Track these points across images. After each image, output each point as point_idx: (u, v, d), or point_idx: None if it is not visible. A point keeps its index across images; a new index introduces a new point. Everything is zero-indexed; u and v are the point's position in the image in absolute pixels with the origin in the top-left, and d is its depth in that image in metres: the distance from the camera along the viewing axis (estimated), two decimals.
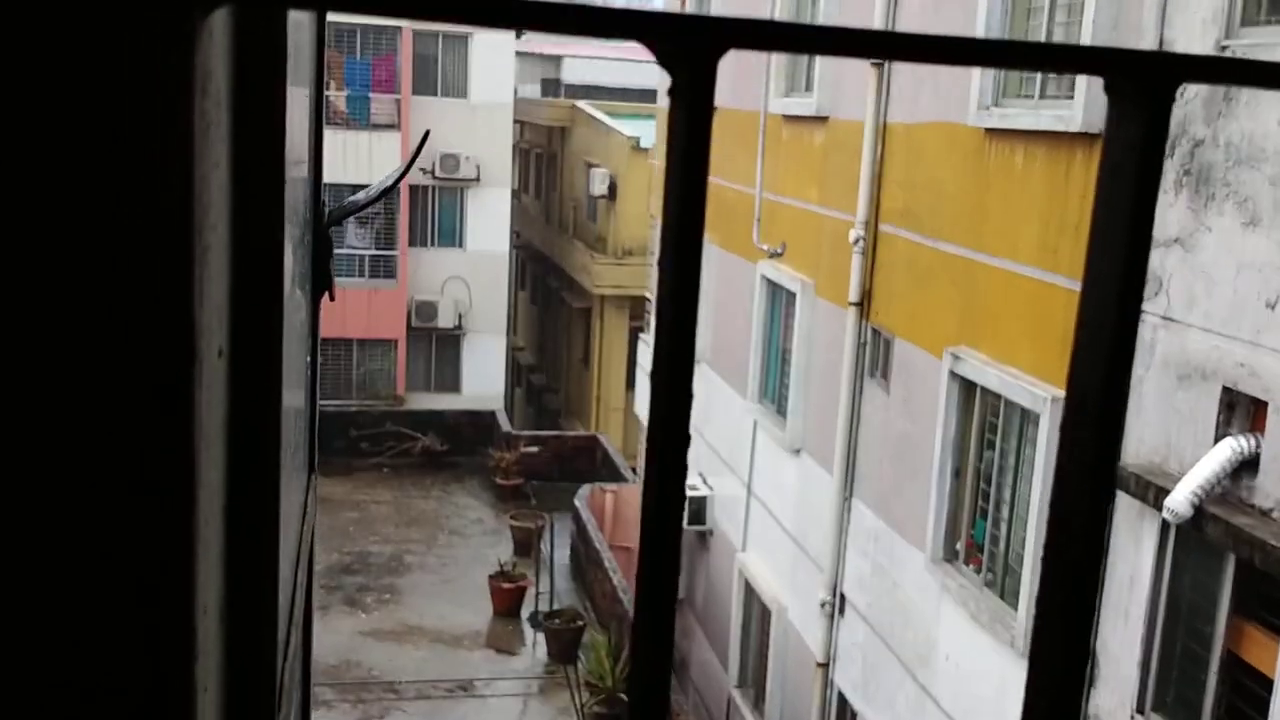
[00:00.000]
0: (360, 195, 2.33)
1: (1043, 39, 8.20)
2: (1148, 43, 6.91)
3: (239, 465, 0.79)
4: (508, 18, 0.53)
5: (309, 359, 1.62)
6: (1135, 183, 0.60)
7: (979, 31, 8.54)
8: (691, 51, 0.54)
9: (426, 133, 3.06)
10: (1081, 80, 7.50)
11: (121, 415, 0.50)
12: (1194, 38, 6.58)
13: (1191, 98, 6.61)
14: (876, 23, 10.28)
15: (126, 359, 0.50)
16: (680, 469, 0.57)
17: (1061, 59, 0.62)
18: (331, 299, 1.69)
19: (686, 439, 0.59)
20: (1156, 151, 0.60)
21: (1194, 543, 6.41)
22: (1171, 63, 0.59)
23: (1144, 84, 0.59)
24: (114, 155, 0.48)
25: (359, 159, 25.12)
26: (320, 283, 1.58)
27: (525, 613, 18.16)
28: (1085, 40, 7.44)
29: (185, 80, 0.49)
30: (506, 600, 18.10)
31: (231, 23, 0.67)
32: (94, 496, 0.51)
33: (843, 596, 11.04)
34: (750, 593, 13.40)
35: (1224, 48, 6.38)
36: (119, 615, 0.54)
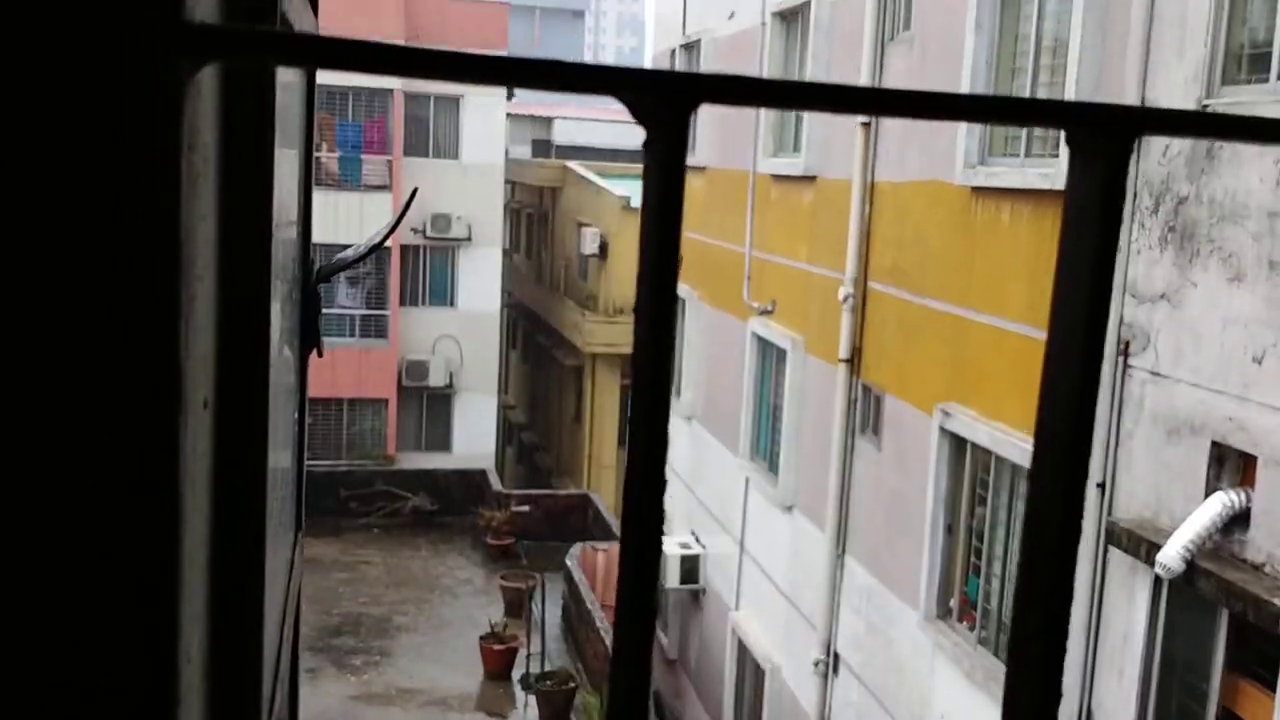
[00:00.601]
0: (349, 252, 2.35)
1: (1031, 33, 8.33)
2: (1130, 102, 7.02)
3: (225, 517, 0.80)
4: (486, 75, 0.55)
5: (296, 416, 1.62)
6: (1097, 233, 0.62)
7: (970, 23, 8.65)
8: (664, 105, 0.56)
9: (414, 190, 3.09)
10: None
11: (106, 461, 0.51)
12: (1175, 97, 6.69)
13: (1175, 155, 6.70)
14: (863, 83, 10.41)
15: (112, 405, 0.51)
16: (658, 509, 0.58)
17: (1023, 112, 0.64)
18: (319, 355, 1.70)
19: (663, 483, 0.60)
20: (1116, 202, 0.61)
21: (1187, 598, 6.39)
22: (1129, 115, 0.61)
23: (1102, 136, 0.61)
24: (102, 205, 0.50)
25: (350, 220, 25.24)
26: (308, 339, 1.60)
27: (516, 674, 17.95)
28: (1075, 38, 7.52)
29: (173, 135, 0.51)
30: (497, 662, 17.91)
31: (220, 79, 0.69)
32: (77, 543, 0.52)
33: (836, 655, 10.96)
34: (743, 651, 13.28)
35: (1205, 106, 6.49)
36: (97, 663, 0.54)
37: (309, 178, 1.77)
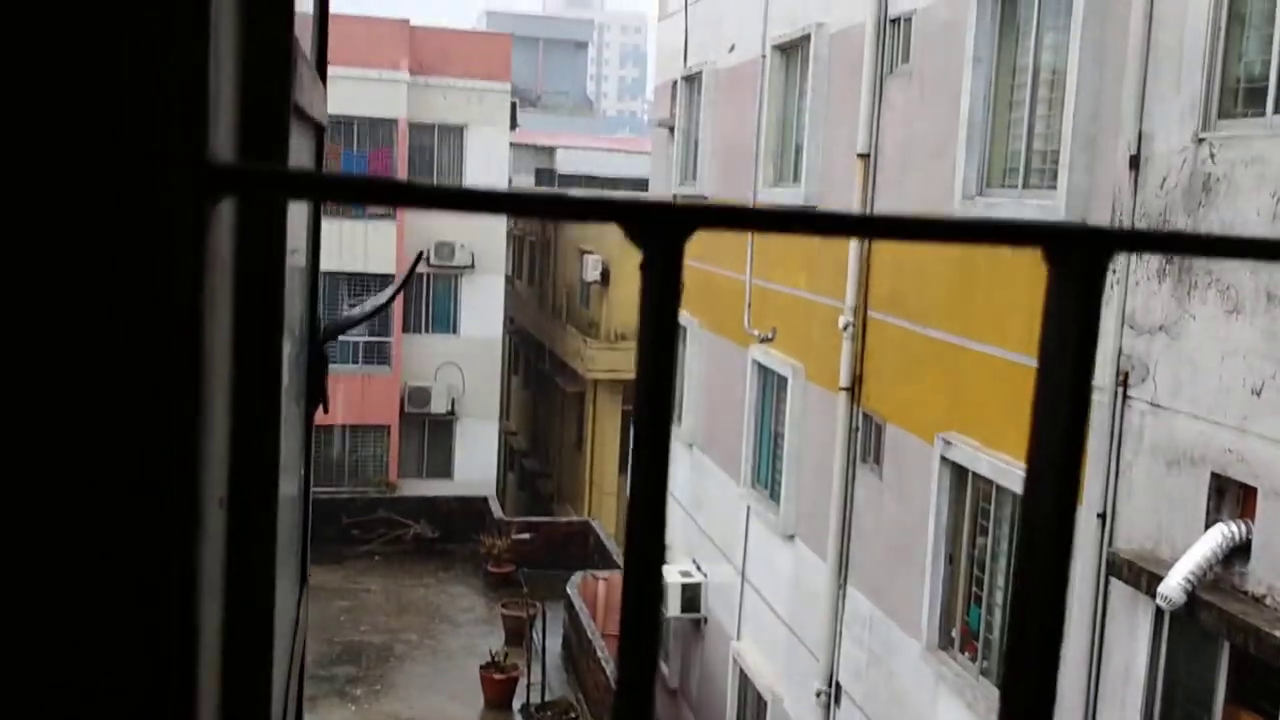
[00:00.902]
0: (355, 311, 2.38)
1: (1024, 131, 8.38)
2: (1127, 134, 7.07)
3: (235, 612, 0.82)
4: (497, 207, 0.58)
5: (302, 472, 1.65)
6: (1075, 345, 0.64)
7: (968, 55, 8.71)
8: (661, 233, 0.59)
9: (420, 254, 3.13)
10: (1064, 170, 7.65)
11: (123, 570, 0.54)
12: (1172, 130, 6.74)
13: (1172, 188, 6.74)
14: (862, 120, 10.49)
15: (132, 510, 0.54)
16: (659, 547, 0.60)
17: (1000, 233, 0.67)
18: (325, 411, 1.73)
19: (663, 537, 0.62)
20: (1093, 316, 0.64)
21: (1188, 630, 6.39)
22: (1105, 236, 0.64)
23: (1079, 254, 0.64)
24: (125, 332, 0.53)
25: (354, 248, 25.34)
26: (314, 397, 1.63)
27: (517, 704, 17.88)
28: (1066, 131, 7.61)
29: (196, 264, 0.54)
30: (498, 691, 17.84)
31: (237, 203, 0.72)
32: (91, 654, 0.54)
33: (838, 685, 10.93)
34: (745, 682, 13.24)
35: (1201, 139, 6.54)
36: None
37: (317, 233, 1.81)
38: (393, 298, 2.56)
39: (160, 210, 0.52)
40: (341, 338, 26.67)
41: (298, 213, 1.55)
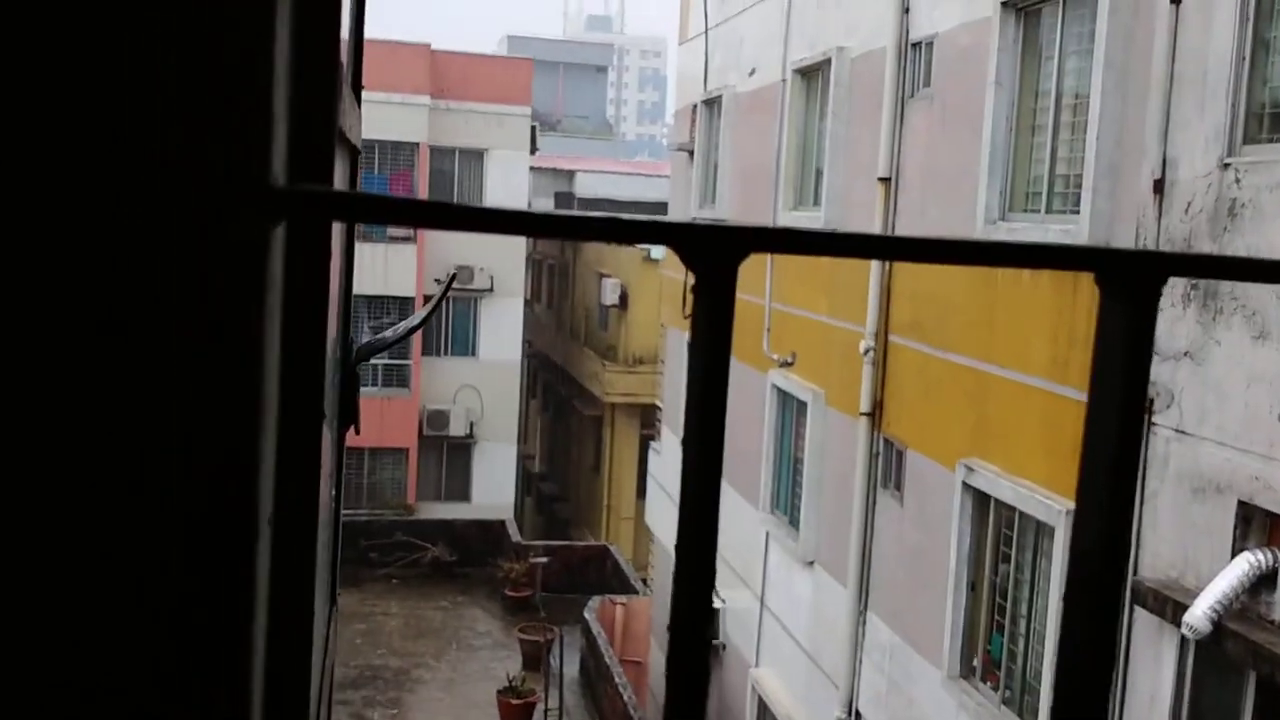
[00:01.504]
0: (389, 333, 2.39)
1: (1047, 156, 8.37)
2: (1151, 160, 7.05)
3: (277, 631, 0.82)
4: (548, 230, 0.58)
5: (334, 492, 1.65)
6: (1124, 368, 0.64)
7: (990, 79, 8.70)
8: (715, 255, 0.59)
9: (453, 274, 3.15)
10: (1087, 194, 7.63)
11: (185, 591, 0.54)
12: (1196, 156, 6.72)
13: (1197, 212, 6.71)
14: (883, 143, 10.50)
15: (195, 538, 0.54)
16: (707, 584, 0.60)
17: (1053, 257, 0.67)
18: (357, 433, 1.73)
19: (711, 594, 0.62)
20: (1145, 339, 0.64)
21: (1214, 659, 6.32)
22: (1157, 260, 0.64)
23: (1131, 278, 0.64)
24: (187, 354, 0.53)
25: (375, 271, 25.46)
26: (346, 416, 1.63)
27: None
28: (1090, 156, 7.59)
29: (257, 285, 0.54)
30: (515, 716, 17.77)
31: (286, 226, 0.73)
32: (155, 673, 0.54)
33: (858, 713, 10.84)
34: (764, 709, 13.15)
35: (1226, 165, 6.51)
36: None
37: (351, 256, 1.82)
38: (427, 318, 2.57)
39: (229, 234, 0.52)
40: None
41: (334, 236, 1.56)
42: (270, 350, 0.66)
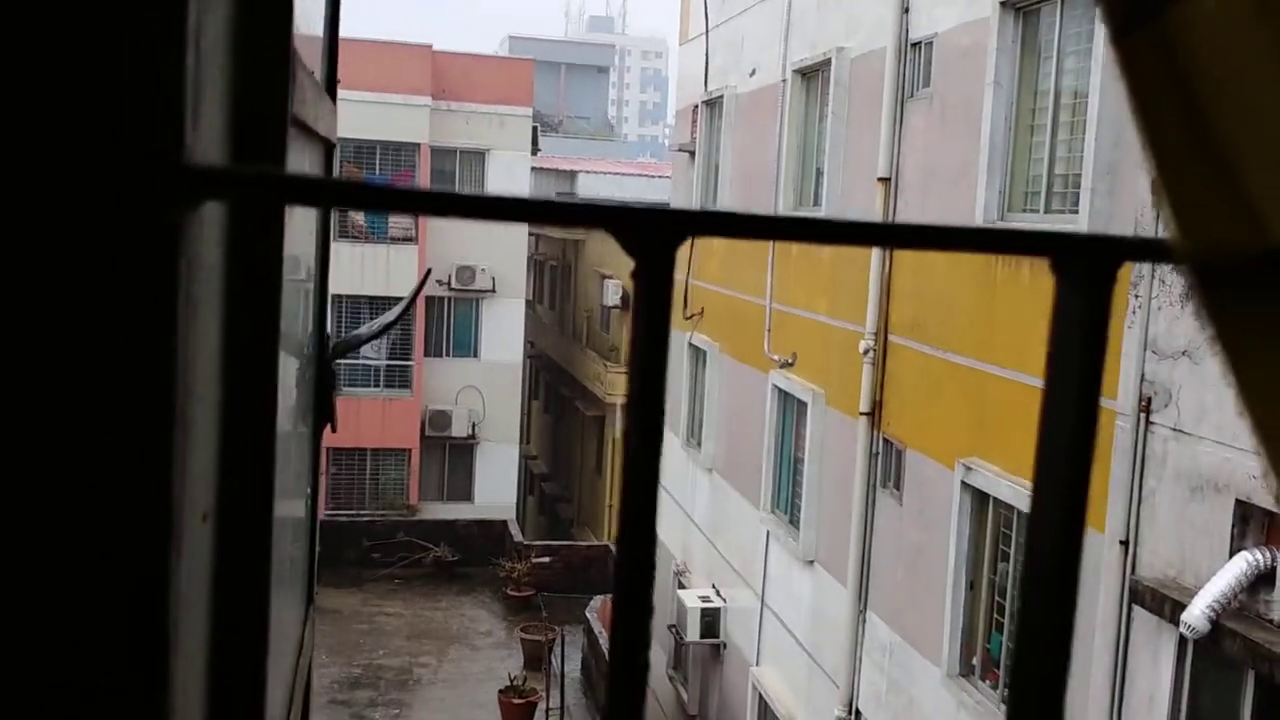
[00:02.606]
0: (364, 330, 2.38)
1: (1045, 155, 8.35)
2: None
3: (224, 623, 0.81)
4: (482, 212, 0.57)
5: (310, 491, 1.64)
6: (1080, 354, 0.63)
7: (989, 79, 8.69)
8: (652, 240, 0.58)
9: (428, 271, 3.14)
10: (1085, 193, 7.61)
11: (95, 597, 0.53)
12: None
13: None
14: (882, 143, 10.48)
15: (101, 539, 0.52)
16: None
17: (1007, 241, 0.65)
18: (334, 430, 1.72)
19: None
20: (1101, 326, 0.62)
21: (1212, 658, 6.30)
22: (1112, 244, 0.62)
23: (1086, 262, 0.62)
24: (97, 342, 0.51)
25: (377, 272, 25.47)
26: (322, 414, 1.62)
27: None
28: (1088, 155, 7.57)
29: (169, 272, 0.52)
30: (517, 716, 17.77)
31: (229, 212, 0.71)
32: (64, 674, 0.53)
33: (858, 712, 10.82)
34: (764, 707, 13.14)
35: None
36: None
37: (326, 252, 1.80)
38: (401, 315, 2.56)
39: (130, 211, 0.50)
40: (363, 361, 26.79)
41: (305, 231, 1.54)
42: (202, 337, 0.64)
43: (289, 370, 1.41)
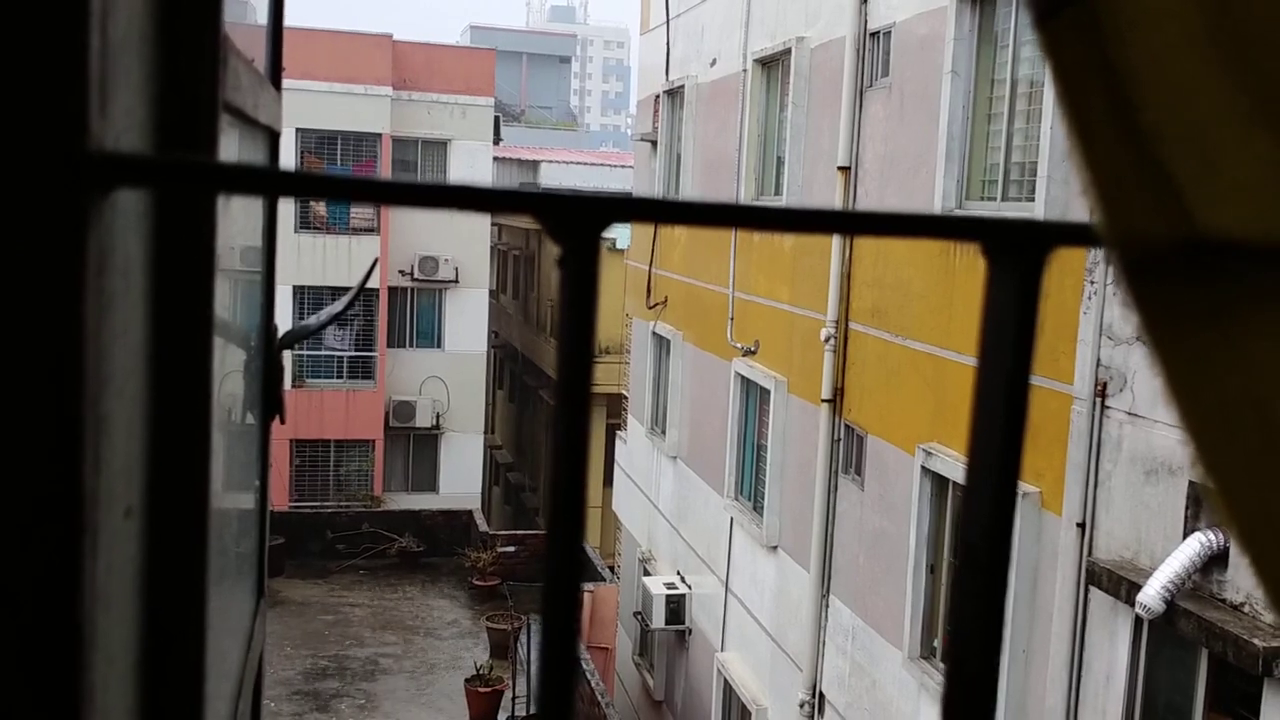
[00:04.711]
0: (311, 320, 2.36)
1: (1003, 144, 8.41)
2: None
3: (159, 614, 0.80)
4: (405, 199, 0.56)
5: (259, 483, 1.62)
6: (1013, 339, 0.63)
7: (946, 69, 8.74)
8: (577, 225, 0.57)
9: (375, 261, 3.12)
10: (1042, 180, 7.68)
11: (6, 589, 0.51)
12: None
13: None
14: (842, 132, 10.52)
15: (9, 532, 0.51)
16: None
17: (939, 227, 0.66)
18: (281, 422, 1.71)
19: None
20: (1030, 311, 0.63)
21: (1168, 638, 6.39)
22: (1043, 229, 0.62)
23: (1017, 248, 0.62)
24: None
25: (339, 262, 25.28)
26: (270, 407, 1.60)
27: (502, 717, 17.80)
28: (1045, 143, 7.63)
29: (76, 265, 0.51)
30: (483, 705, 17.76)
31: (155, 201, 0.70)
32: None
33: (822, 696, 10.90)
34: (730, 693, 13.20)
35: None
36: None
37: (273, 236, 1.78)
38: (349, 305, 2.54)
39: (29, 198, 0.49)
40: (326, 352, 26.60)
41: (250, 220, 1.52)
42: (121, 330, 0.63)
43: (233, 361, 1.39)
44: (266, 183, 0.53)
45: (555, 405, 0.63)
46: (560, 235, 0.58)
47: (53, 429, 0.49)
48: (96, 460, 0.54)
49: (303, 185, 0.54)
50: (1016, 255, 0.64)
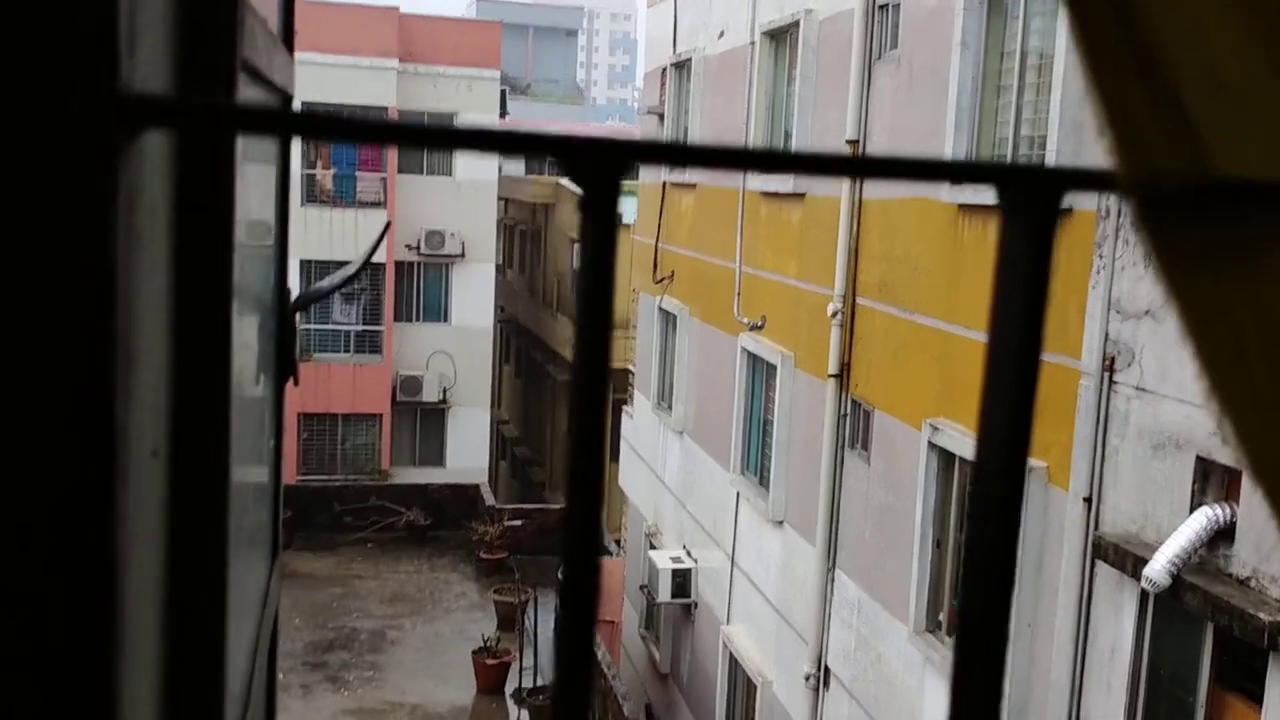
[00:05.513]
0: (324, 282, 2.37)
1: (1012, 116, 8.37)
2: None
3: (181, 560, 0.81)
4: (436, 142, 0.57)
5: (273, 442, 1.64)
6: (1025, 287, 0.63)
7: (956, 40, 8.70)
8: (597, 169, 0.58)
9: (388, 223, 3.13)
10: (1051, 153, 7.65)
11: (38, 519, 0.53)
12: None
13: None
14: (850, 105, 10.47)
15: (45, 465, 0.52)
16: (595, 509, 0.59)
17: (955, 172, 0.66)
18: (295, 384, 1.72)
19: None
20: (1044, 258, 0.63)
21: (1173, 612, 6.41)
22: (1056, 175, 0.63)
23: (1031, 195, 0.63)
24: (33, 276, 0.51)
25: (345, 236, 25.28)
26: (284, 367, 1.61)
27: (509, 689, 17.92)
28: (1054, 116, 7.60)
29: (108, 204, 0.52)
30: (490, 677, 17.88)
31: (175, 147, 0.71)
32: (6, 613, 0.52)
33: (827, 669, 10.96)
34: (735, 666, 13.27)
35: None
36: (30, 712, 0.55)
37: (286, 202, 1.79)
38: (362, 267, 2.55)
39: (65, 147, 0.50)
40: (333, 327, 26.63)
41: (263, 183, 1.53)
42: (145, 270, 0.64)
43: (249, 321, 1.40)
44: (286, 124, 0.54)
45: (575, 348, 0.64)
46: (582, 178, 0.59)
47: (87, 358, 0.50)
48: (127, 394, 0.56)
49: (321, 127, 0.55)
50: (1030, 200, 0.64)
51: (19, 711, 0.52)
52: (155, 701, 0.72)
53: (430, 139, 0.58)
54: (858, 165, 0.62)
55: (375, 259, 25.82)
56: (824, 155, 0.60)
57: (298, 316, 1.75)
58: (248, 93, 1.05)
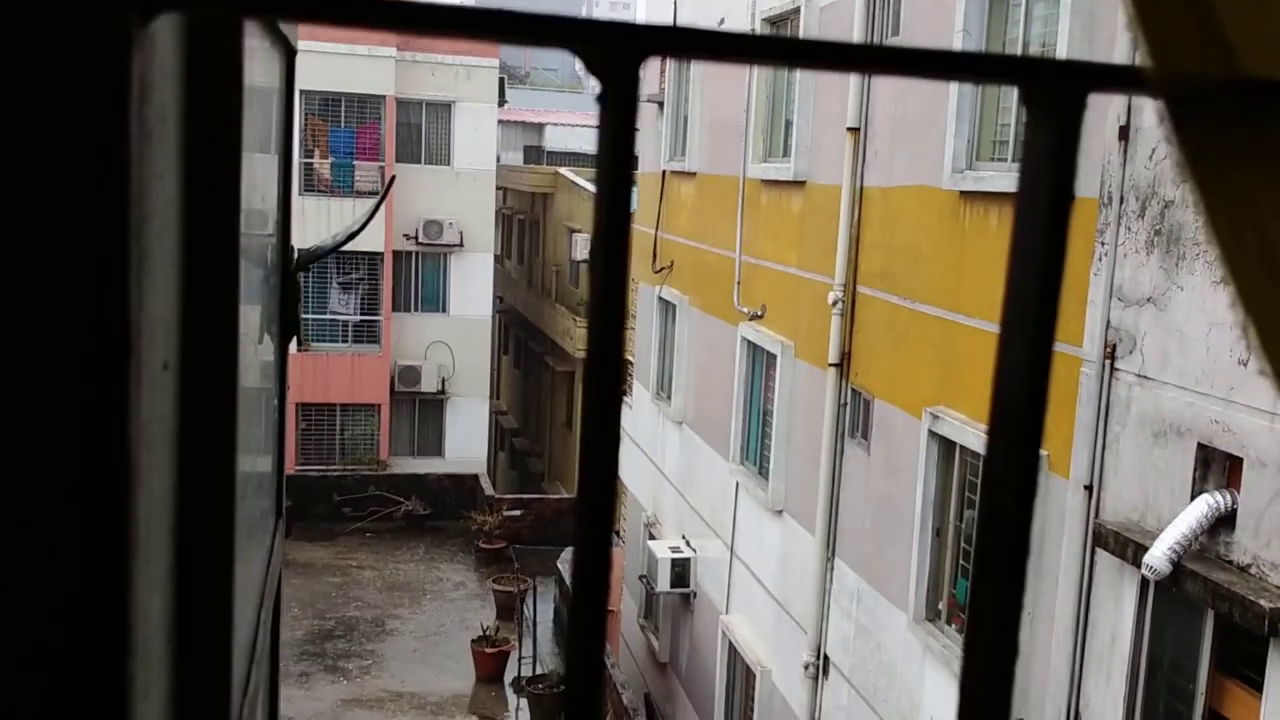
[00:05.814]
0: (327, 240, 2.36)
1: (1013, 105, 8.35)
2: (1116, 107, 7.05)
3: (190, 479, 0.80)
4: (434, 24, 0.55)
5: (276, 402, 1.63)
6: (1051, 188, 0.62)
7: (957, 27, 8.67)
8: (615, 56, 0.56)
9: (393, 178, 3.11)
10: None
11: (52, 415, 0.51)
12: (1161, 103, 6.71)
13: (1161, 159, 6.73)
14: (852, 93, 10.45)
15: (58, 360, 0.51)
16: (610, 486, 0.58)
17: (975, 67, 0.65)
18: (300, 345, 1.71)
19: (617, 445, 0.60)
20: (1070, 157, 0.62)
21: (1174, 600, 6.41)
22: (1083, 69, 0.61)
23: (1056, 91, 0.62)
24: (45, 160, 0.50)
25: (343, 225, 25.21)
26: (288, 326, 1.60)
27: (508, 678, 17.93)
28: (1062, 41, 7.52)
29: (121, 89, 0.51)
30: (489, 665, 17.89)
31: (181, 32, 0.69)
32: (20, 505, 0.51)
33: (826, 658, 10.96)
34: (734, 655, 13.28)
35: None
36: (42, 632, 0.54)
37: (288, 168, 1.78)
38: (364, 225, 2.54)
39: (76, 25, 0.49)
40: (331, 317, 26.59)
41: (266, 161, 1.51)
42: (153, 166, 0.63)
43: (254, 276, 1.39)
44: (295, 5, 0.52)
45: (591, 251, 0.63)
46: (599, 66, 0.57)
47: (100, 247, 0.49)
48: (140, 295, 0.54)
49: (330, 8, 0.53)
50: (1055, 97, 0.63)
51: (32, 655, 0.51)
52: (165, 614, 0.71)
53: (437, 23, 0.57)
54: (877, 57, 0.61)
55: (372, 248, 25.80)
56: (844, 44, 0.58)
57: (300, 277, 1.75)
58: (260, 44, 1.03)
